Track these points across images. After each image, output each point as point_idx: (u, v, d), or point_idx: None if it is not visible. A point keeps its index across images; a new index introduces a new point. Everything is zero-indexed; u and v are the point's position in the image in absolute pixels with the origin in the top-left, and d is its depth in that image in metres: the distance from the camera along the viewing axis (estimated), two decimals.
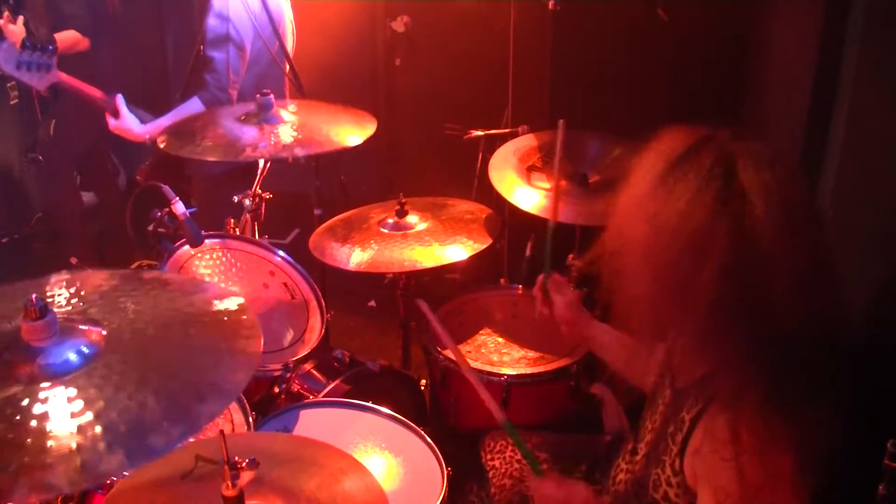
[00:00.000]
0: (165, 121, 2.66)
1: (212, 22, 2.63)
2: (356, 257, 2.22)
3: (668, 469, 1.28)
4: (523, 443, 1.55)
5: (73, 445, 1.05)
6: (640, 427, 1.48)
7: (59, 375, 1.16)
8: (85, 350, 1.21)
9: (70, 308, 1.34)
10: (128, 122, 2.72)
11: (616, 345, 1.69)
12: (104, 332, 1.26)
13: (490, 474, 1.76)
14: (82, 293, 1.38)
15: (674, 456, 1.26)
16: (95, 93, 2.77)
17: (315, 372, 2.27)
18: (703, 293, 1.12)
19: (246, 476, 1.28)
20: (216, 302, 1.38)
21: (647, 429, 1.42)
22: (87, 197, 4.34)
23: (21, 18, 3.07)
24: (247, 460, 1.27)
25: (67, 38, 3.35)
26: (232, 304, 1.38)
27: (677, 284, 1.15)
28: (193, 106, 2.64)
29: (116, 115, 2.73)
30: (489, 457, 1.78)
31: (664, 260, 1.15)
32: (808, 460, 1.12)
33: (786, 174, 1.13)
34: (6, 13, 3.07)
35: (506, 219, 2.95)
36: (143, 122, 2.78)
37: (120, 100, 2.72)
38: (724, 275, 1.10)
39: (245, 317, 1.34)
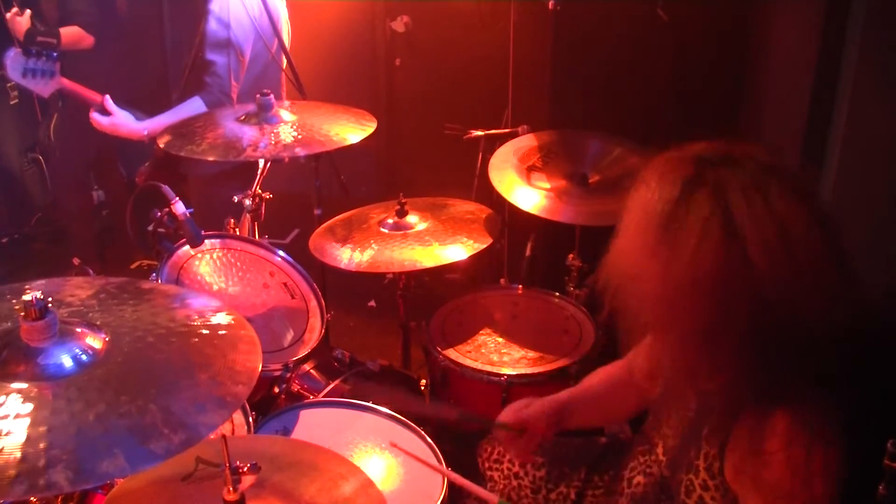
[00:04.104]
0: (165, 118, 2.66)
1: (212, 26, 2.62)
2: (356, 257, 2.22)
3: (704, 473, 1.27)
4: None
5: (72, 445, 1.05)
6: (651, 428, 1.48)
7: (58, 376, 1.16)
8: (85, 352, 1.21)
9: (71, 311, 1.34)
10: (122, 119, 2.71)
11: (596, 400, 1.69)
12: (106, 338, 1.26)
13: (488, 486, 1.75)
14: (82, 298, 1.39)
15: (711, 458, 1.26)
16: (96, 97, 2.77)
17: (315, 372, 2.27)
18: (729, 331, 1.14)
19: (247, 480, 1.28)
20: (213, 316, 1.38)
21: (668, 434, 1.41)
22: (98, 195, 4.34)
23: (29, 12, 3.07)
24: (248, 465, 1.27)
25: (71, 33, 3.35)
26: (230, 318, 1.39)
27: (702, 331, 1.16)
28: (195, 106, 2.63)
29: (108, 113, 2.72)
30: (486, 465, 1.78)
31: (684, 314, 1.16)
32: (845, 452, 1.14)
33: (779, 193, 1.12)
34: (15, 7, 3.07)
35: (506, 219, 2.95)
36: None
37: (108, 99, 2.72)
38: (742, 312, 1.12)
39: (244, 332, 1.35)
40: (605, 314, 1.28)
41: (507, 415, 1.63)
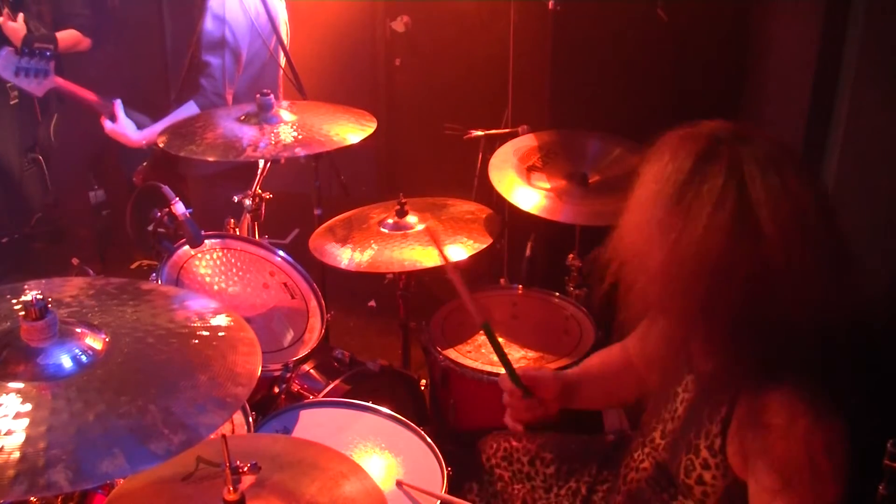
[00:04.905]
0: (161, 126, 2.66)
1: (209, 25, 2.63)
2: (356, 257, 2.22)
3: (705, 451, 1.27)
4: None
5: (72, 445, 1.05)
6: (648, 421, 1.48)
7: (57, 376, 1.17)
8: (85, 353, 1.21)
9: (71, 311, 1.34)
10: (124, 128, 2.73)
11: (597, 381, 1.69)
12: (106, 338, 1.26)
13: (498, 486, 1.75)
14: (82, 298, 1.39)
15: (712, 437, 1.25)
16: (91, 97, 2.78)
17: (315, 372, 2.27)
18: (731, 309, 1.14)
19: (247, 480, 1.28)
20: (212, 317, 1.39)
21: (665, 418, 1.41)
22: (96, 195, 4.34)
23: (21, 16, 3.07)
24: (248, 464, 1.27)
25: (68, 37, 3.35)
26: (230, 319, 1.39)
27: (707, 307, 1.16)
28: (189, 110, 2.64)
29: (114, 119, 2.74)
30: (494, 462, 1.77)
31: (691, 289, 1.16)
32: (852, 434, 1.14)
33: (792, 173, 1.13)
34: (6, 10, 3.07)
35: (506, 219, 2.95)
36: (141, 125, 2.78)
37: (118, 105, 2.72)
38: (749, 290, 1.12)
39: (243, 333, 1.35)
40: (604, 288, 1.28)
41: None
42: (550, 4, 2.83)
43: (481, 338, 2.31)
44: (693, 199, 1.13)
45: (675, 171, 1.17)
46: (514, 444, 1.76)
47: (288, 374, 2.18)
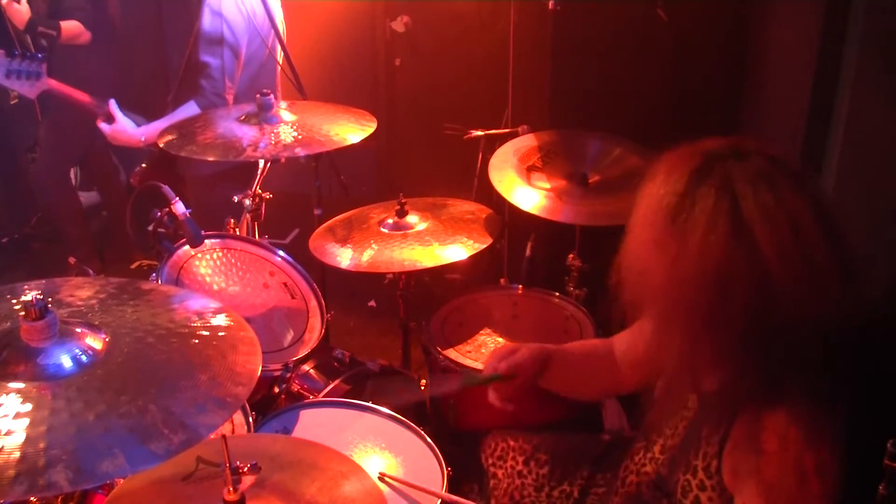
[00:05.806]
0: (162, 124, 2.66)
1: (206, 23, 2.62)
2: (356, 257, 2.22)
3: (702, 473, 1.27)
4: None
5: (73, 445, 1.05)
6: (649, 428, 1.48)
7: (58, 376, 1.17)
8: (85, 353, 1.21)
9: (71, 311, 1.34)
10: (124, 127, 2.72)
11: (573, 364, 1.70)
12: (106, 338, 1.26)
13: (491, 483, 1.75)
14: (82, 298, 1.39)
15: (710, 458, 1.26)
16: (85, 98, 2.77)
17: (315, 372, 2.27)
18: (734, 326, 1.14)
19: (247, 480, 1.28)
20: (213, 317, 1.39)
21: (667, 434, 1.41)
22: (89, 196, 4.34)
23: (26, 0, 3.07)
24: (248, 465, 1.27)
25: (72, 27, 3.35)
26: (230, 319, 1.39)
27: (709, 325, 1.16)
28: (190, 110, 2.64)
29: (111, 120, 2.73)
30: (490, 461, 1.78)
31: (692, 307, 1.16)
32: (845, 453, 1.14)
33: (787, 187, 1.13)
34: None
35: (506, 219, 2.95)
36: (137, 125, 2.78)
37: (113, 104, 2.72)
38: (750, 305, 1.12)
39: (243, 333, 1.35)
40: (612, 308, 1.29)
41: (495, 361, 1.64)
42: (550, 4, 2.84)
43: (481, 338, 2.32)
44: (686, 220, 1.14)
45: (667, 192, 1.18)
46: (511, 443, 1.77)
47: (288, 374, 2.18)
